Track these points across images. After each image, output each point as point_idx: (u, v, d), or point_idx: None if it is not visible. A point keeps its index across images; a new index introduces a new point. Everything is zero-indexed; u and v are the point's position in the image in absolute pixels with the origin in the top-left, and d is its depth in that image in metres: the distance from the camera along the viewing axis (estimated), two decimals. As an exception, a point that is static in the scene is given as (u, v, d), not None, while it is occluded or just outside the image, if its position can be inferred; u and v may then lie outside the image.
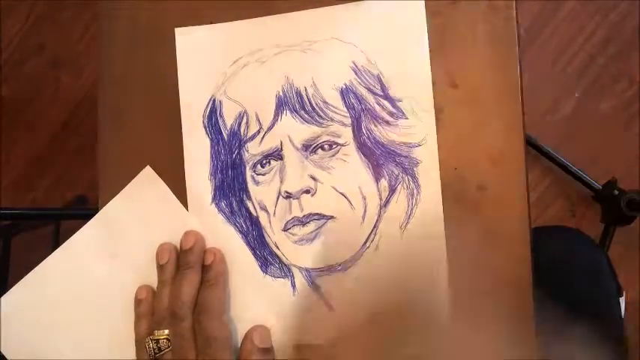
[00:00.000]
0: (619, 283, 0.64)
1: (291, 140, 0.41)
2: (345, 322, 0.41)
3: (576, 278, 0.58)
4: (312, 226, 0.41)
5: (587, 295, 0.58)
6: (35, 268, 0.42)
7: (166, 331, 0.38)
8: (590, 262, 0.62)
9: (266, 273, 0.41)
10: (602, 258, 0.63)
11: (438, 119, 0.40)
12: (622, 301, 0.66)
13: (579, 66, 1.14)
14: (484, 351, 0.36)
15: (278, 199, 0.41)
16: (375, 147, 0.40)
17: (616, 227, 1.05)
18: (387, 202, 0.40)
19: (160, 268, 0.40)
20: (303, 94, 0.41)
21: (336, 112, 0.40)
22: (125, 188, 0.42)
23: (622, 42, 1.14)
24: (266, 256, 0.41)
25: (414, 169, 0.40)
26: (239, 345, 0.40)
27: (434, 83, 0.40)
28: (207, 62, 0.42)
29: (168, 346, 0.38)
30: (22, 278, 0.42)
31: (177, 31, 0.43)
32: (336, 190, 0.40)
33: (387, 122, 0.40)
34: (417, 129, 0.40)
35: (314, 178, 0.40)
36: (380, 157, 0.40)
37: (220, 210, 0.42)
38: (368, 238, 0.40)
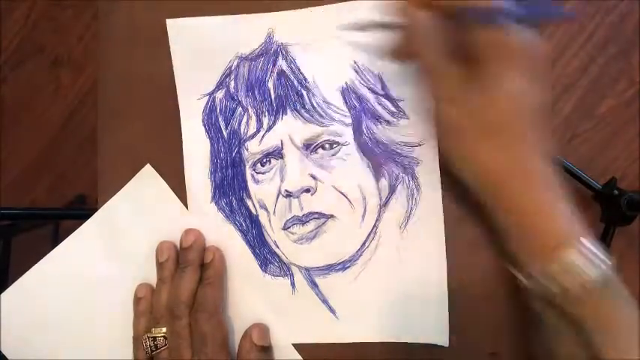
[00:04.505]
0: None
1: (291, 139, 0.41)
2: (344, 322, 0.41)
3: None
4: (311, 225, 0.40)
5: None
6: (34, 266, 0.42)
7: (164, 329, 0.38)
8: None
9: (265, 272, 0.41)
10: None
11: (438, 118, 0.40)
12: None
13: (579, 66, 1.14)
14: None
15: (278, 197, 0.41)
16: (376, 146, 0.40)
17: (616, 227, 1.05)
18: (387, 201, 0.40)
19: (160, 265, 0.40)
20: (304, 93, 0.41)
21: (336, 112, 0.40)
22: (125, 186, 0.42)
23: (622, 42, 1.13)
24: (265, 255, 0.41)
25: (415, 168, 0.40)
26: (237, 344, 0.40)
27: (434, 82, 0.40)
28: (205, 58, 0.42)
29: (165, 344, 0.38)
30: (21, 278, 0.42)
31: (169, 22, 0.42)
32: (336, 190, 0.40)
33: (388, 122, 0.40)
34: (418, 129, 0.40)
35: (314, 177, 0.40)
36: (380, 157, 0.40)
37: (220, 208, 0.42)
38: (367, 237, 0.40)
